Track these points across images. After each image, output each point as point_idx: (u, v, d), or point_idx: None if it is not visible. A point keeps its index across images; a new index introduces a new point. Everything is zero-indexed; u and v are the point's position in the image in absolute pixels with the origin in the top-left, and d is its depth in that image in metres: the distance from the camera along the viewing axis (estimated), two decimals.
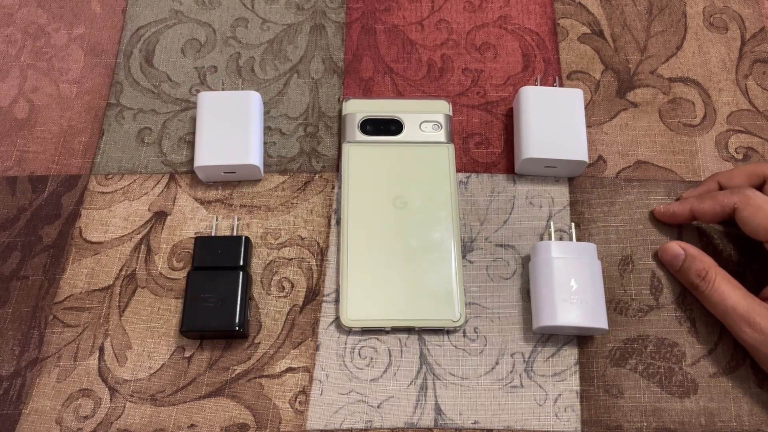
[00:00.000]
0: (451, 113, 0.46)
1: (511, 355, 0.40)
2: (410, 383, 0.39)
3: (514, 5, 0.51)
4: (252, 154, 0.43)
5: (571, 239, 0.42)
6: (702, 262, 0.39)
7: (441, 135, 0.44)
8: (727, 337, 0.40)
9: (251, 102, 0.44)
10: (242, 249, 0.40)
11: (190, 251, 0.42)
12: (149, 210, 0.44)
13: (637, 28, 0.50)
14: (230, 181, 0.44)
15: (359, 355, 0.40)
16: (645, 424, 0.38)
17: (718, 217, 0.40)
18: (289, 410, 0.38)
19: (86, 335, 0.40)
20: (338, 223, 0.43)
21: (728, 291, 0.38)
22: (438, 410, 0.38)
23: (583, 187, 0.45)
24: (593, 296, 0.38)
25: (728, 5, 0.51)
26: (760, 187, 0.40)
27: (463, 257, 0.42)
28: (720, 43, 0.50)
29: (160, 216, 0.43)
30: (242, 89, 0.47)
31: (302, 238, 0.43)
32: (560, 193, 0.44)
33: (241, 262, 0.40)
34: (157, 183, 0.44)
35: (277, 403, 0.38)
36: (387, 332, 0.40)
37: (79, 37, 0.50)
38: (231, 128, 0.43)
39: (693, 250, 0.40)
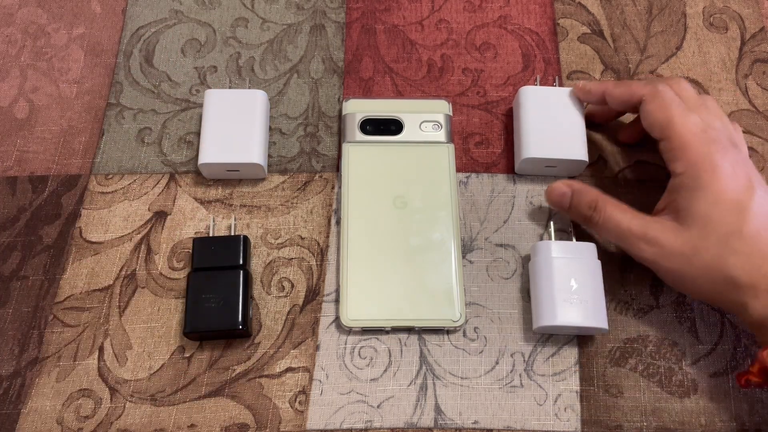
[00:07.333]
0: (451, 113, 0.46)
1: (511, 355, 0.40)
2: (410, 383, 0.39)
3: (514, 5, 0.51)
4: (256, 153, 0.43)
5: (571, 239, 0.42)
6: (589, 193, 0.39)
7: (441, 135, 0.44)
8: (728, 336, 0.40)
9: (257, 101, 0.44)
10: (241, 248, 0.40)
11: (190, 251, 0.42)
12: (149, 210, 0.44)
13: (637, 28, 0.50)
14: (231, 181, 0.44)
15: (359, 355, 0.40)
16: (645, 423, 0.38)
17: (625, 105, 0.40)
18: (289, 410, 0.38)
19: (86, 335, 0.40)
20: (338, 223, 0.43)
21: (619, 215, 0.38)
22: (438, 410, 0.38)
23: None
24: (593, 296, 0.38)
25: (728, 5, 0.51)
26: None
27: (463, 257, 0.42)
28: (720, 43, 0.50)
29: (160, 216, 0.43)
30: (249, 88, 0.47)
31: (302, 238, 0.43)
32: None
33: (241, 261, 0.40)
34: (157, 183, 0.44)
35: (277, 403, 0.38)
36: (387, 332, 0.40)
37: (79, 37, 0.50)
38: (237, 126, 0.43)
39: (578, 185, 0.40)
